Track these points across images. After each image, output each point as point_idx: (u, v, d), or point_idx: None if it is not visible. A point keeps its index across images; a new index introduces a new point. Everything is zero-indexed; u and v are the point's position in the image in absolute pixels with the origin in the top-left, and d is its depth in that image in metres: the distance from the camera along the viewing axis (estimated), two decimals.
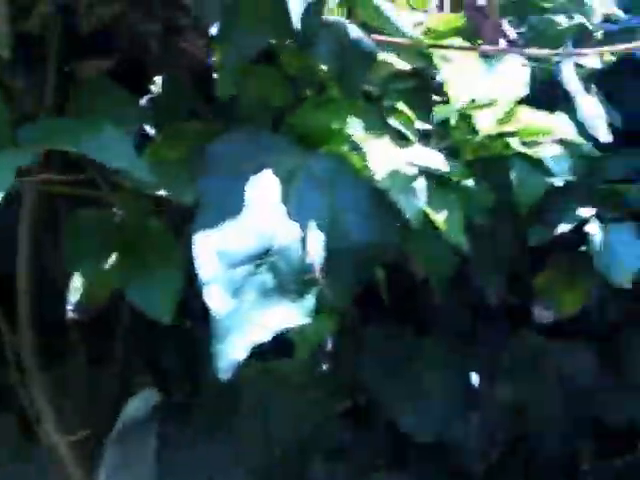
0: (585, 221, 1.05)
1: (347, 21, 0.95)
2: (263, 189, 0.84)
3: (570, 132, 0.94)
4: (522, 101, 1.00)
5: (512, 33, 1.12)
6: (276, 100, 0.97)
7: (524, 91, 0.96)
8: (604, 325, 1.18)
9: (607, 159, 1.10)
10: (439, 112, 0.96)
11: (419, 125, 1.01)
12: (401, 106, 1.01)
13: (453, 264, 1.02)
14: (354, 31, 0.94)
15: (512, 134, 0.94)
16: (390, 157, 0.92)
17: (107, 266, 0.92)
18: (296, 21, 0.81)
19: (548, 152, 0.93)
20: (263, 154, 0.87)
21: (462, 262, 1.02)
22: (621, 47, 1.00)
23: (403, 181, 0.90)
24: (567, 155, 0.93)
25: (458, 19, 1.11)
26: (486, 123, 0.95)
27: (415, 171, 0.92)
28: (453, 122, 1.00)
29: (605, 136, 1.07)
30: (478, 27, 1.12)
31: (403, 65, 1.02)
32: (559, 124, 0.94)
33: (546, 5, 1.25)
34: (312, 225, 0.84)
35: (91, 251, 0.91)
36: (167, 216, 0.93)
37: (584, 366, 1.20)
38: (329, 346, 1.17)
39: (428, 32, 1.10)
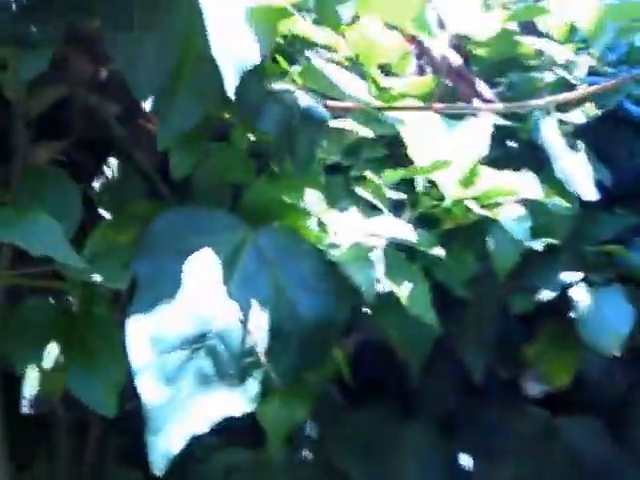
0: (570, 285, 0.99)
1: (297, 88, 0.90)
2: (202, 268, 0.80)
3: (536, 191, 0.88)
4: (496, 162, 0.95)
5: (488, 93, 1.07)
6: (234, 177, 0.94)
7: (485, 150, 0.90)
8: (607, 396, 1.09)
9: (594, 219, 1.03)
10: (389, 177, 0.92)
11: (392, 194, 0.97)
12: (369, 175, 0.97)
13: (431, 340, 0.97)
14: (304, 99, 0.89)
15: (476, 198, 0.89)
16: (351, 229, 0.88)
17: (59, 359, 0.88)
18: (231, 92, 0.76)
19: (509, 213, 0.87)
20: (204, 231, 0.83)
21: (445, 335, 0.96)
22: (581, 91, 0.95)
23: (359, 253, 0.85)
24: (528, 216, 0.87)
25: (431, 82, 1.06)
26: (450, 187, 0.90)
27: (376, 243, 0.87)
28: (420, 188, 0.95)
29: (590, 195, 1.01)
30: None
31: (366, 132, 0.97)
32: (524, 184, 0.88)
33: (532, 63, 1.21)
34: (256, 304, 0.79)
35: (38, 343, 0.87)
36: (117, 304, 0.89)
37: (591, 442, 1.11)
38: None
39: (400, 96, 1.06)
